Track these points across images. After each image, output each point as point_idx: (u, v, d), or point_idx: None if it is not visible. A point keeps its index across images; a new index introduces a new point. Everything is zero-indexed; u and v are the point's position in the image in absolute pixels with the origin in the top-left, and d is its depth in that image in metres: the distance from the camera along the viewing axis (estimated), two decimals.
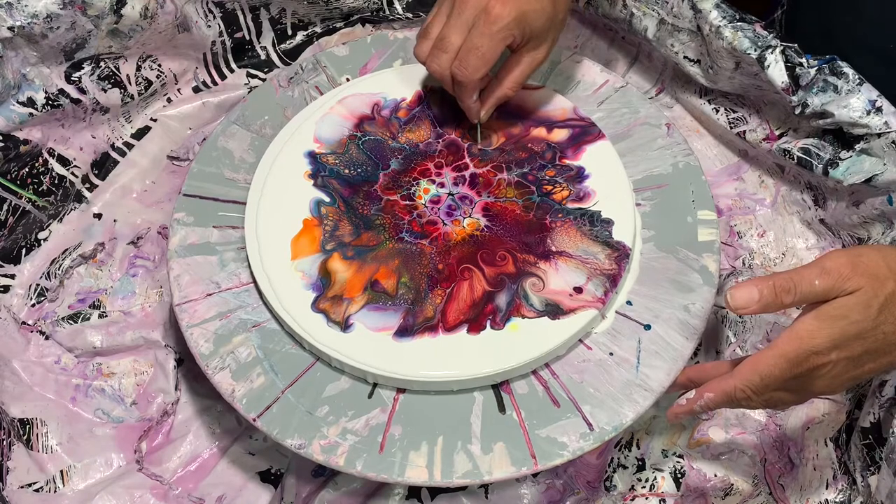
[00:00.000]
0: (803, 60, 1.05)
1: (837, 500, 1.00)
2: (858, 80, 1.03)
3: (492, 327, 0.97)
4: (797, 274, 0.82)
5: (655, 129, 1.15)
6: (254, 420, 0.95)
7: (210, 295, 1.04)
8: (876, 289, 0.80)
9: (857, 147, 1.03)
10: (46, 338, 1.16)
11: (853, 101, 1.02)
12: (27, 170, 1.17)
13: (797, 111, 1.06)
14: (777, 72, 1.05)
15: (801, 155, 1.09)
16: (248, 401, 0.96)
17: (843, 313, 0.80)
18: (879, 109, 1.01)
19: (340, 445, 0.93)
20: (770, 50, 1.06)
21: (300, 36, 1.35)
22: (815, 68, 1.04)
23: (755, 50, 1.06)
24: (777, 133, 1.13)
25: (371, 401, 0.97)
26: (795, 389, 0.85)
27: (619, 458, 1.08)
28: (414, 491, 1.06)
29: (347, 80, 1.21)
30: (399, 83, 1.18)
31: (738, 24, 1.08)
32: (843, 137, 1.06)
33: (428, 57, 1.04)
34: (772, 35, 1.07)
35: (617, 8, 1.20)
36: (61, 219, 1.22)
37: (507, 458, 0.92)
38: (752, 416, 1.10)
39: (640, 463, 1.08)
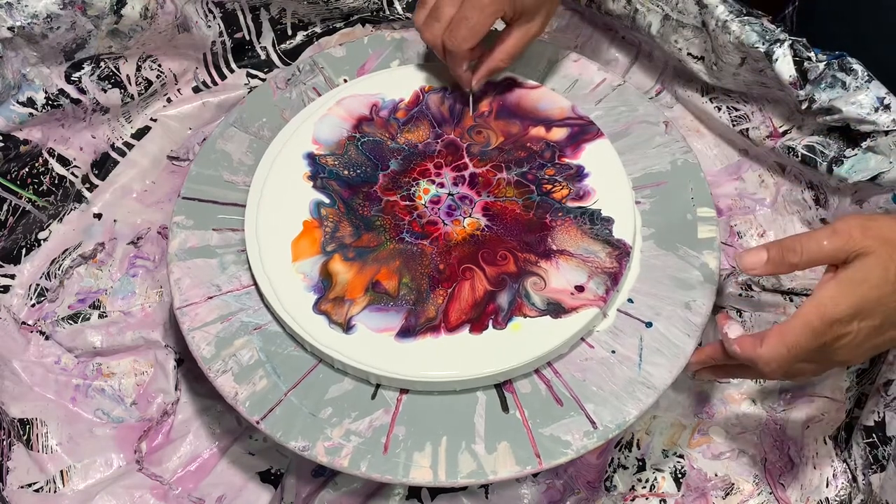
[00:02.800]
0: (812, 55, 1.05)
1: (838, 498, 1.00)
2: (867, 77, 1.03)
3: (494, 327, 0.98)
4: (806, 235, 0.83)
5: (654, 126, 1.15)
6: (257, 423, 0.95)
7: (211, 298, 1.04)
8: (891, 253, 0.81)
9: (864, 144, 1.04)
10: (46, 338, 1.15)
11: (861, 98, 1.02)
12: (27, 170, 1.16)
13: (804, 106, 1.06)
14: (785, 66, 1.05)
15: (805, 152, 1.09)
16: (251, 404, 0.96)
17: (863, 276, 0.81)
18: (888, 107, 1.01)
19: (344, 447, 0.93)
20: (778, 44, 1.05)
21: (300, 36, 1.35)
22: (824, 63, 1.04)
23: (763, 44, 1.06)
24: (781, 130, 1.14)
25: (374, 402, 0.97)
26: (818, 360, 0.86)
27: (619, 459, 1.08)
28: (414, 491, 1.06)
29: (345, 81, 1.21)
30: (397, 84, 1.18)
31: (746, 18, 1.08)
32: (849, 135, 1.06)
33: (423, 24, 1.06)
34: (779, 29, 1.07)
35: (620, 4, 1.20)
36: (61, 219, 1.21)
37: (511, 457, 0.93)
38: (753, 416, 1.10)
39: (641, 463, 1.08)
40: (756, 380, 1.10)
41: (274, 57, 1.35)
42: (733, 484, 1.06)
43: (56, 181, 1.20)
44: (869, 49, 1.06)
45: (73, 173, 1.21)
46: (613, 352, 0.99)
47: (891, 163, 1.01)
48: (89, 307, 1.18)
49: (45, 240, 1.20)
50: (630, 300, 1.03)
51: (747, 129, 1.17)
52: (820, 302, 0.82)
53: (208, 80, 1.32)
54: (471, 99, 1.13)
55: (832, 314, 0.81)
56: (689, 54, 1.17)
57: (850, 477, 1.00)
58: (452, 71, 1.10)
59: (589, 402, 0.96)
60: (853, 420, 1.03)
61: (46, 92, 1.14)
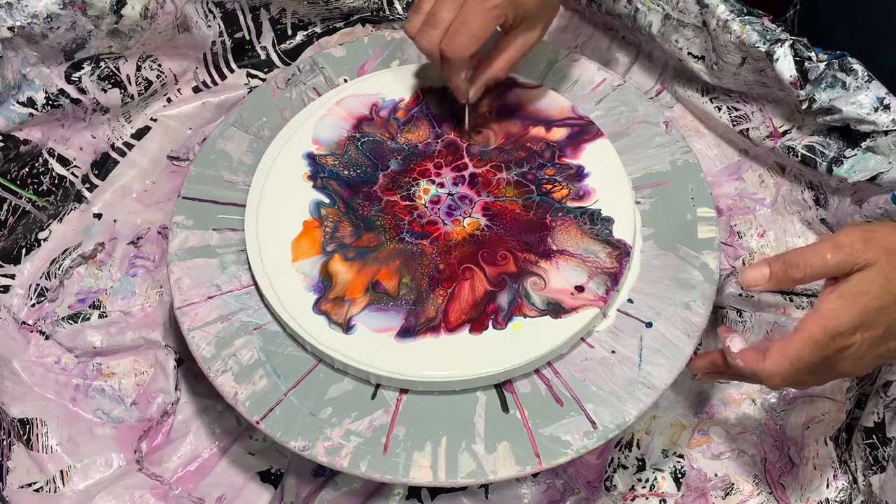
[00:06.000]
0: (812, 55, 1.05)
1: (838, 499, 1.00)
2: (867, 77, 1.03)
3: (494, 327, 0.98)
4: (809, 249, 0.83)
5: (654, 126, 1.15)
6: (257, 423, 0.95)
7: (211, 298, 1.03)
8: (892, 263, 0.81)
9: (864, 145, 1.04)
10: (46, 338, 1.15)
11: (861, 98, 1.02)
12: (27, 170, 1.16)
13: (804, 106, 1.06)
14: (786, 65, 1.05)
15: (805, 152, 1.09)
16: (251, 403, 0.96)
17: (865, 289, 0.81)
18: (887, 107, 1.01)
19: (344, 447, 0.93)
20: (779, 44, 1.05)
21: (300, 36, 1.35)
22: (825, 63, 1.04)
23: (764, 43, 1.06)
24: (781, 130, 1.14)
25: (374, 402, 0.97)
26: (821, 372, 0.85)
27: (619, 458, 1.08)
28: (414, 491, 1.06)
29: (345, 80, 1.21)
30: (397, 84, 1.18)
31: (746, 17, 1.08)
32: (849, 135, 1.06)
33: (418, 32, 1.01)
34: (780, 29, 1.07)
35: (621, 4, 1.20)
36: (61, 219, 1.21)
37: (511, 457, 0.93)
38: (753, 416, 1.10)
39: (641, 463, 1.08)
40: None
41: (274, 57, 1.35)
42: (733, 484, 1.06)
43: (56, 181, 1.20)
44: (871, 54, 1.06)
45: (73, 173, 1.22)
46: (613, 352, 0.99)
47: (890, 163, 1.02)
48: (89, 307, 1.18)
49: (45, 240, 1.20)
50: (630, 300, 1.03)
51: (747, 130, 1.17)
52: (822, 315, 0.81)
53: (208, 80, 1.32)
54: (467, 110, 1.11)
55: (835, 327, 0.81)
56: (689, 54, 1.17)
57: (850, 478, 1.00)
58: (449, 81, 1.06)
59: (589, 402, 0.96)
60: (854, 421, 1.03)
61: (46, 92, 1.14)
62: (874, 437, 0.97)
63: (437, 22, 0.99)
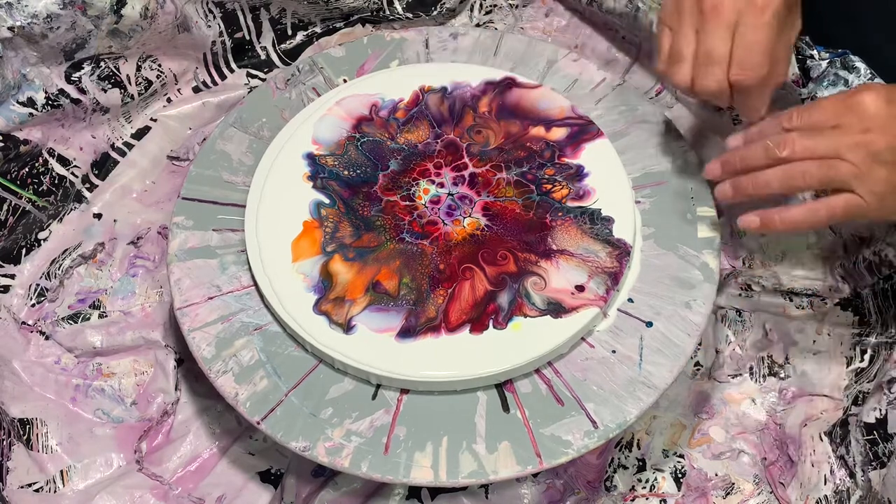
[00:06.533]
0: (814, 52, 1.05)
1: (836, 494, 1.00)
2: (870, 75, 1.03)
3: (494, 327, 0.98)
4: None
5: (653, 126, 1.15)
6: (258, 423, 0.95)
7: (211, 298, 1.03)
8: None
9: None
10: (46, 338, 1.15)
11: None
12: (27, 170, 1.17)
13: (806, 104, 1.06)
14: None
15: None
16: (252, 404, 0.96)
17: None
18: None
19: (345, 447, 0.93)
20: None
21: (300, 36, 1.35)
22: (827, 61, 1.04)
23: None
24: None
25: (375, 402, 0.97)
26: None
27: (619, 459, 1.08)
28: (414, 491, 1.06)
29: (345, 81, 1.21)
30: (396, 84, 1.17)
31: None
32: None
33: (696, 79, 0.94)
34: None
35: (621, 3, 1.20)
36: (61, 219, 1.22)
37: (512, 457, 0.93)
38: (752, 416, 1.10)
39: (641, 463, 1.08)
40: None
41: (274, 57, 1.35)
42: (733, 484, 1.06)
43: (56, 181, 1.20)
44: (872, 51, 1.05)
45: (73, 173, 1.22)
46: (614, 351, 0.99)
47: None
48: (89, 307, 1.18)
49: (45, 240, 1.20)
50: (630, 300, 1.03)
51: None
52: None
53: (208, 80, 1.32)
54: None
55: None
56: None
57: (847, 473, 1.00)
58: (746, 111, 0.98)
59: (589, 401, 0.96)
60: (849, 417, 1.03)
61: (46, 92, 1.14)
62: (875, 433, 0.97)
63: (717, 58, 0.93)
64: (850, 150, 0.86)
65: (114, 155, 1.26)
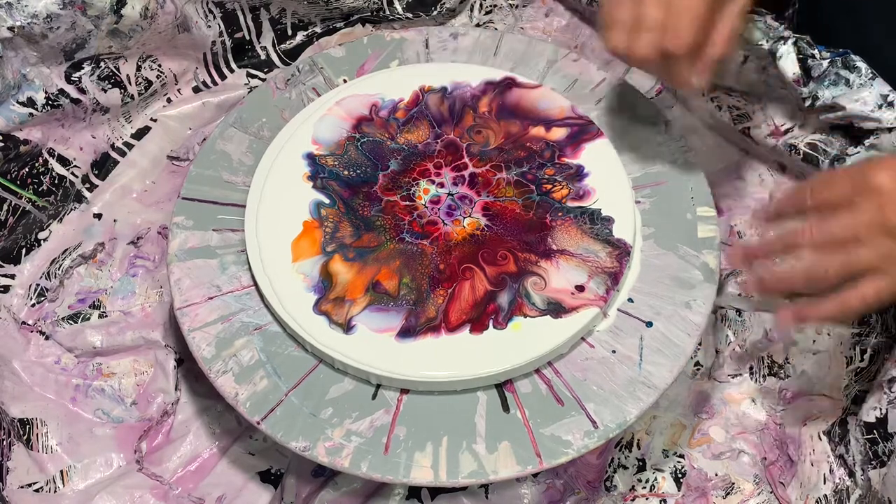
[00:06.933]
0: (815, 52, 1.05)
1: (836, 493, 1.00)
2: (871, 74, 1.03)
3: (494, 327, 0.98)
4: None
5: (653, 126, 1.15)
6: (258, 423, 0.95)
7: (211, 298, 1.03)
8: None
9: (866, 142, 1.03)
10: (46, 338, 1.15)
11: (865, 95, 1.02)
12: (27, 170, 1.17)
13: (807, 104, 1.06)
14: (789, 63, 1.05)
15: (807, 150, 1.09)
16: (252, 404, 0.96)
17: None
18: (891, 104, 1.01)
19: (345, 447, 0.93)
20: (782, 41, 1.05)
21: (300, 36, 1.35)
22: (828, 60, 1.04)
23: (767, 41, 1.06)
24: (783, 129, 1.13)
25: (375, 402, 0.97)
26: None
27: (619, 459, 1.08)
28: (414, 491, 1.06)
29: (345, 81, 1.20)
30: (396, 84, 1.17)
31: (749, 15, 1.08)
32: (852, 133, 1.06)
33: (630, 45, 0.93)
34: (783, 26, 1.07)
35: None
36: (61, 219, 1.22)
37: (512, 457, 0.93)
38: (752, 416, 1.10)
39: (641, 463, 1.08)
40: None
41: (274, 57, 1.35)
42: (733, 484, 1.06)
43: (56, 181, 1.20)
44: (873, 51, 1.05)
45: (73, 173, 1.22)
46: (614, 351, 0.99)
47: None
48: (89, 307, 1.18)
49: (45, 240, 1.20)
50: (630, 300, 1.02)
51: (748, 128, 1.17)
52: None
53: (208, 80, 1.32)
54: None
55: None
56: None
57: (847, 472, 1.00)
58: (676, 80, 0.96)
59: (589, 401, 0.96)
60: (848, 416, 1.03)
61: (46, 92, 1.14)
62: (875, 432, 0.97)
63: (648, 24, 0.91)
64: (868, 231, 0.85)
65: (114, 155, 1.26)
